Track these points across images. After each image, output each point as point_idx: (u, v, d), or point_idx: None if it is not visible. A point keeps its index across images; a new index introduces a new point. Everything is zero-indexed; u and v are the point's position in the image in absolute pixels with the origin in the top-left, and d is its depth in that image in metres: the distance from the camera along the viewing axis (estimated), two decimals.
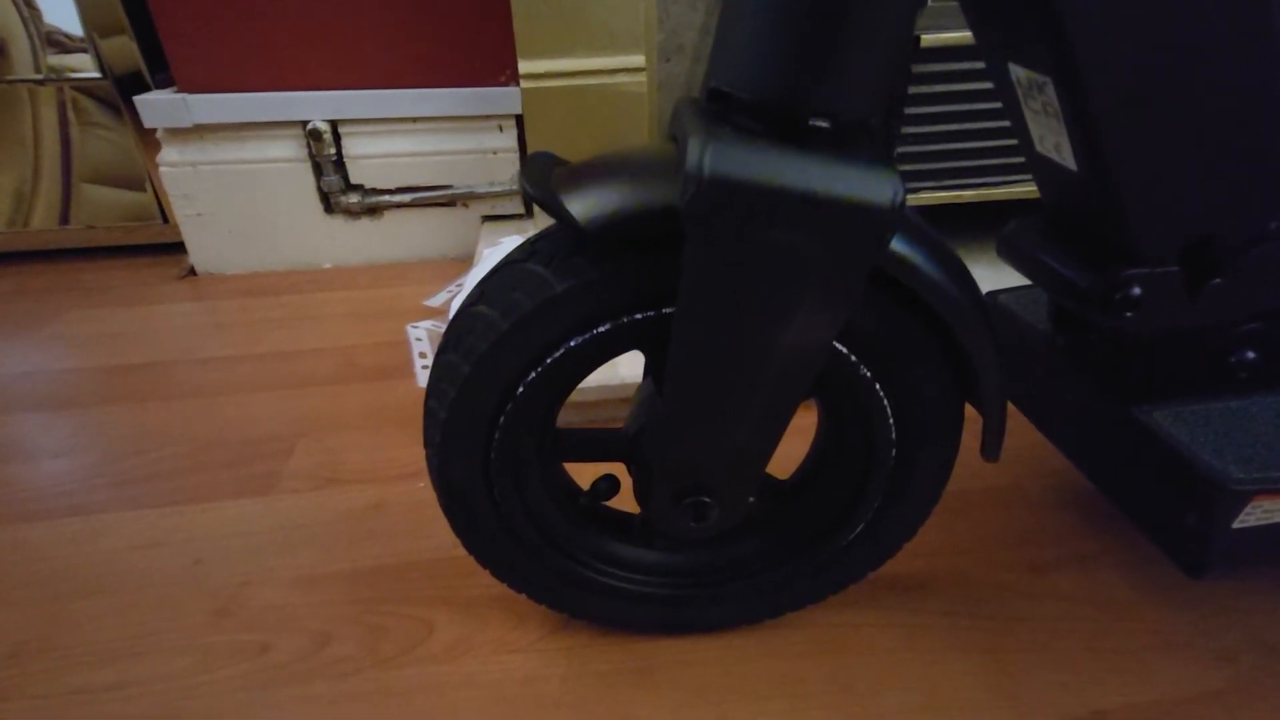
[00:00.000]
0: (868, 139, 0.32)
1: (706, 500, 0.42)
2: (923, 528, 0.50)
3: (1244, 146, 0.36)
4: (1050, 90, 0.36)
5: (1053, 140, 0.38)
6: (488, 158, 1.19)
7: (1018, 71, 0.37)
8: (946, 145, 0.91)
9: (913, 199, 0.94)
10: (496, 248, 1.06)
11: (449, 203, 1.22)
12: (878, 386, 0.41)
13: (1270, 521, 0.42)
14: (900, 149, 0.91)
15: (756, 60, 0.31)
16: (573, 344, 0.38)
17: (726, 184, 0.30)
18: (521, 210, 1.25)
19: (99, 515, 0.66)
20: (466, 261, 1.23)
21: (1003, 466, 0.70)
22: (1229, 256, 0.38)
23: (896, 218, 0.31)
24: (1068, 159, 0.38)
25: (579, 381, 0.43)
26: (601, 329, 0.37)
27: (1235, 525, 0.41)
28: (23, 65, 1.14)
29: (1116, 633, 0.53)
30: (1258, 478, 0.40)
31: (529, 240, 0.39)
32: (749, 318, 0.34)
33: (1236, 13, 0.33)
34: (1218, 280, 0.39)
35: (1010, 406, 0.42)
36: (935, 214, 0.96)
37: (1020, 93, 0.39)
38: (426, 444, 0.43)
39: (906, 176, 0.93)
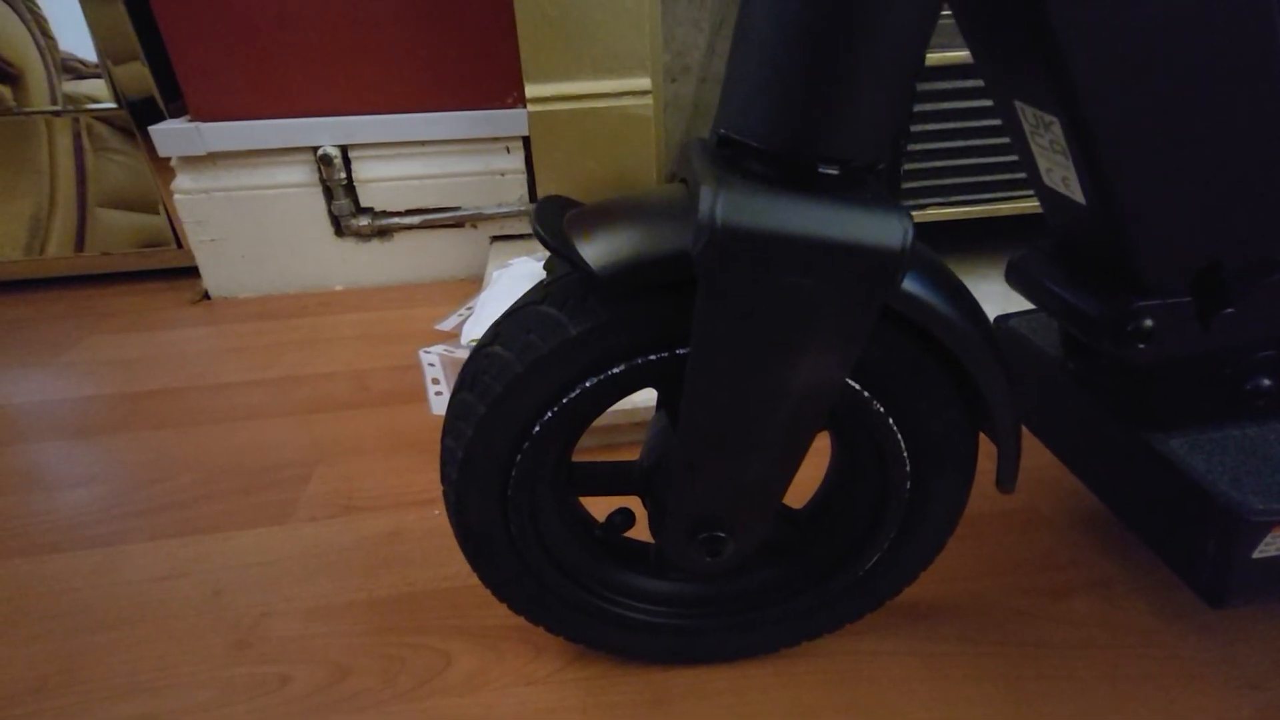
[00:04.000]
0: (876, 181, 0.33)
1: (721, 535, 0.42)
2: (944, 552, 0.50)
3: (1252, 177, 0.36)
4: (1057, 129, 0.36)
5: (1060, 174, 0.39)
6: (496, 179, 1.21)
7: (1024, 109, 0.38)
8: (953, 161, 0.91)
9: (920, 215, 0.94)
10: (506, 269, 1.07)
11: (458, 224, 1.23)
12: (891, 421, 0.41)
13: None
14: (907, 165, 0.91)
15: (764, 109, 0.31)
16: (588, 385, 0.38)
17: (739, 232, 0.30)
18: (529, 230, 1.26)
19: (118, 546, 0.67)
20: (477, 282, 1.25)
21: (1020, 489, 0.70)
22: (1240, 285, 0.38)
23: (906, 259, 0.31)
24: (1076, 193, 0.38)
25: (595, 417, 0.43)
26: (616, 370, 0.38)
27: (1255, 555, 0.41)
28: (39, 93, 1.16)
29: (1136, 660, 0.53)
30: (1277, 508, 0.39)
31: (542, 282, 0.39)
32: (761, 360, 0.34)
33: (1240, 48, 0.33)
34: (1230, 309, 0.39)
35: (1025, 429, 0.42)
36: (944, 230, 0.96)
37: (1027, 129, 0.39)
38: (443, 480, 0.44)
39: (914, 193, 0.93)
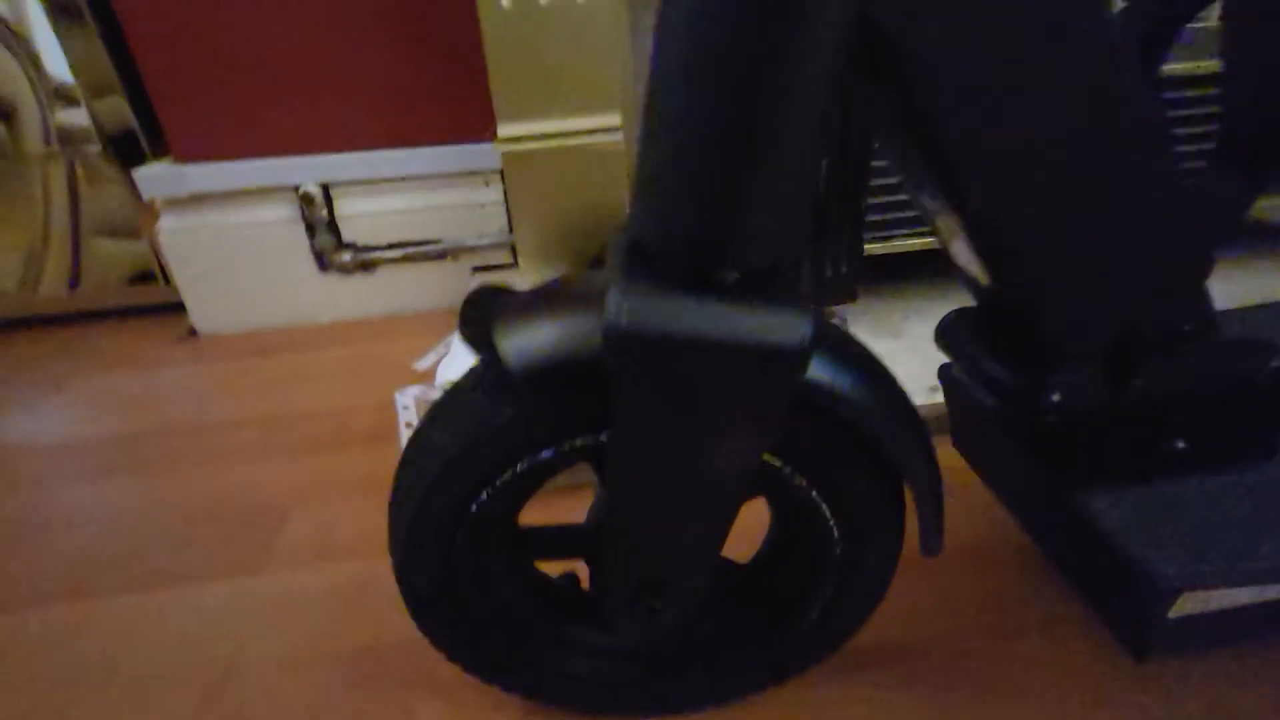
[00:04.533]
0: (783, 281, 0.34)
1: (656, 603, 0.44)
2: (890, 592, 0.51)
3: (1149, 257, 0.37)
4: (952, 219, 0.38)
5: (965, 257, 0.40)
6: (475, 211, 1.23)
7: (924, 199, 0.39)
8: None
9: (886, 247, 0.96)
10: None
11: (439, 256, 1.25)
12: (814, 493, 0.42)
13: (1206, 610, 0.43)
14: (872, 199, 0.92)
15: (665, 217, 0.33)
16: (518, 469, 0.40)
17: (642, 336, 0.32)
18: (509, 260, 1.28)
19: (99, 598, 0.69)
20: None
21: (972, 523, 0.71)
22: (1146, 358, 0.40)
23: (805, 357, 0.33)
24: (981, 275, 0.40)
25: (535, 491, 0.45)
26: (544, 454, 0.40)
27: (1171, 616, 0.43)
28: (32, 127, 1.18)
29: (1080, 703, 0.54)
30: (1188, 572, 0.41)
31: (474, 368, 0.41)
32: (677, 450, 0.36)
33: (1123, 140, 0.35)
34: (1138, 381, 0.40)
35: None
36: (908, 260, 0.98)
37: (933, 216, 0.41)
38: (390, 551, 0.45)
39: (879, 225, 0.95)
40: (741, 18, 0.28)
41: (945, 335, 0.48)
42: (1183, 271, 0.38)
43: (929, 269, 1.04)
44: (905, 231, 0.95)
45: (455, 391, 0.41)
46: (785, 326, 0.33)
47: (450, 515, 0.41)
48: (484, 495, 0.41)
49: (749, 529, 0.53)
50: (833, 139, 0.32)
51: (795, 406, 0.39)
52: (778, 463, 0.41)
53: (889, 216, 0.94)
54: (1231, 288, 0.99)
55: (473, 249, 1.25)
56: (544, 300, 0.38)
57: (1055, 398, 0.40)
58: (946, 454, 0.67)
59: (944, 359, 0.62)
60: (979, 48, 0.32)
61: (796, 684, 0.56)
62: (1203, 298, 0.40)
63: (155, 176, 1.11)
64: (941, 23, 0.31)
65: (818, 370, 0.37)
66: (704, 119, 0.30)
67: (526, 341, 0.36)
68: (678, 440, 0.36)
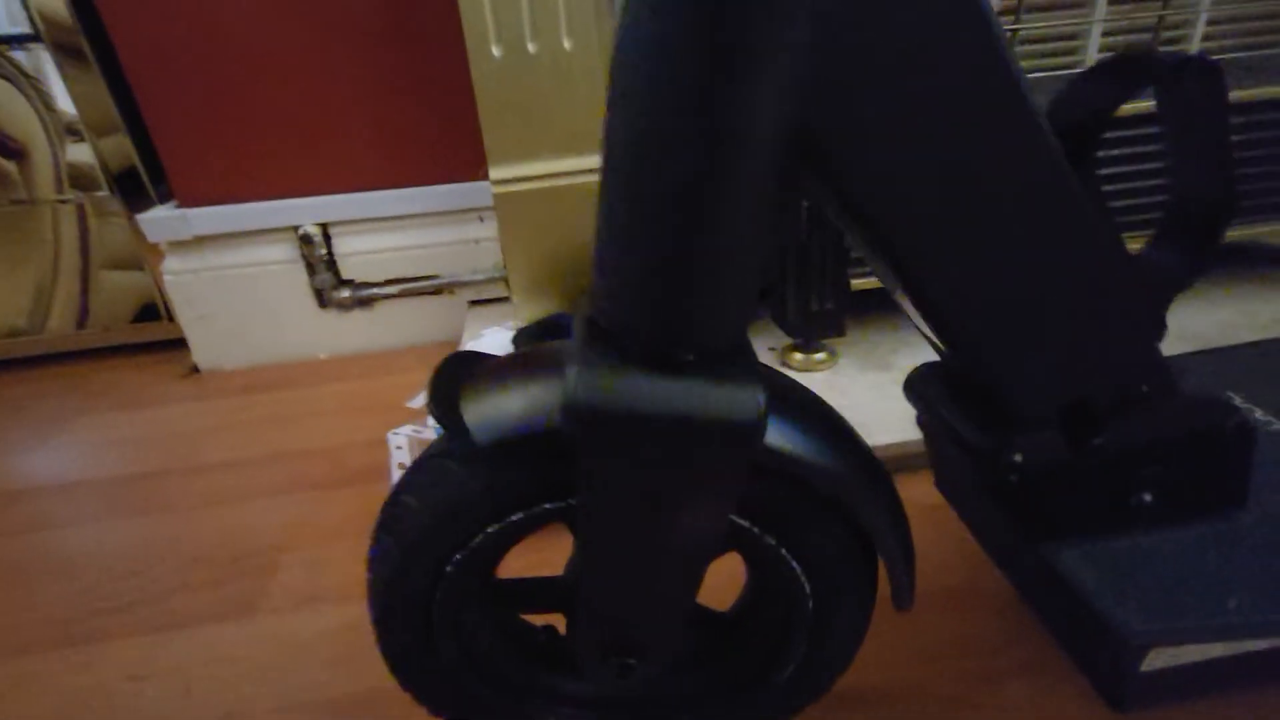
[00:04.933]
0: (735, 357, 0.35)
1: (630, 661, 0.44)
2: (872, 635, 0.51)
3: (1099, 324, 0.38)
4: (903, 296, 0.39)
5: (921, 324, 0.41)
6: (470, 247, 1.25)
7: (878, 268, 0.40)
8: None
9: (873, 283, 0.97)
10: (478, 340, 1.11)
11: (436, 291, 1.27)
12: (783, 551, 0.43)
13: (1178, 664, 0.43)
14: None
15: (620, 299, 0.34)
16: (490, 530, 0.41)
17: (597, 412, 0.33)
18: (504, 293, 1.29)
19: (95, 645, 0.70)
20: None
21: (953, 564, 0.71)
22: (1106, 418, 0.40)
23: (760, 429, 0.34)
24: (937, 341, 0.41)
25: (508, 550, 0.46)
26: (515, 518, 0.41)
27: (1144, 669, 0.43)
28: (44, 168, 1.21)
29: None
30: (1155, 629, 0.41)
31: (443, 436, 0.42)
32: (641, 517, 0.37)
33: (1060, 231, 0.35)
34: (1098, 440, 0.41)
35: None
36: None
37: (886, 282, 0.42)
38: (369, 608, 0.46)
39: (864, 260, 0.96)
40: (681, 104, 0.29)
41: (913, 389, 0.49)
42: (1134, 337, 0.39)
43: None
44: None
45: (430, 457, 0.42)
46: (739, 400, 0.34)
47: (427, 576, 0.42)
48: (458, 556, 0.42)
49: (733, 576, 0.53)
50: (785, 224, 0.33)
51: (756, 472, 0.40)
52: (745, 523, 0.42)
53: None
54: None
55: (468, 283, 1.27)
56: (509, 370, 0.40)
57: (1017, 458, 0.40)
58: (930, 491, 0.67)
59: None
60: (905, 145, 0.33)
61: None
62: (1157, 357, 0.40)
63: (160, 221, 1.14)
64: (863, 122, 0.32)
65: (777, 435, 0.38)
66: (652, 208, 0.32)
67: (491, 413, 0.37)
68: (640, 510, 0.37)
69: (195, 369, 1.26)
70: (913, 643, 0.64)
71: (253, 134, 1.12)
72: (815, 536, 0.43)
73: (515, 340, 0.38)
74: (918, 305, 0.38)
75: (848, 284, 0.95)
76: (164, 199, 1.20)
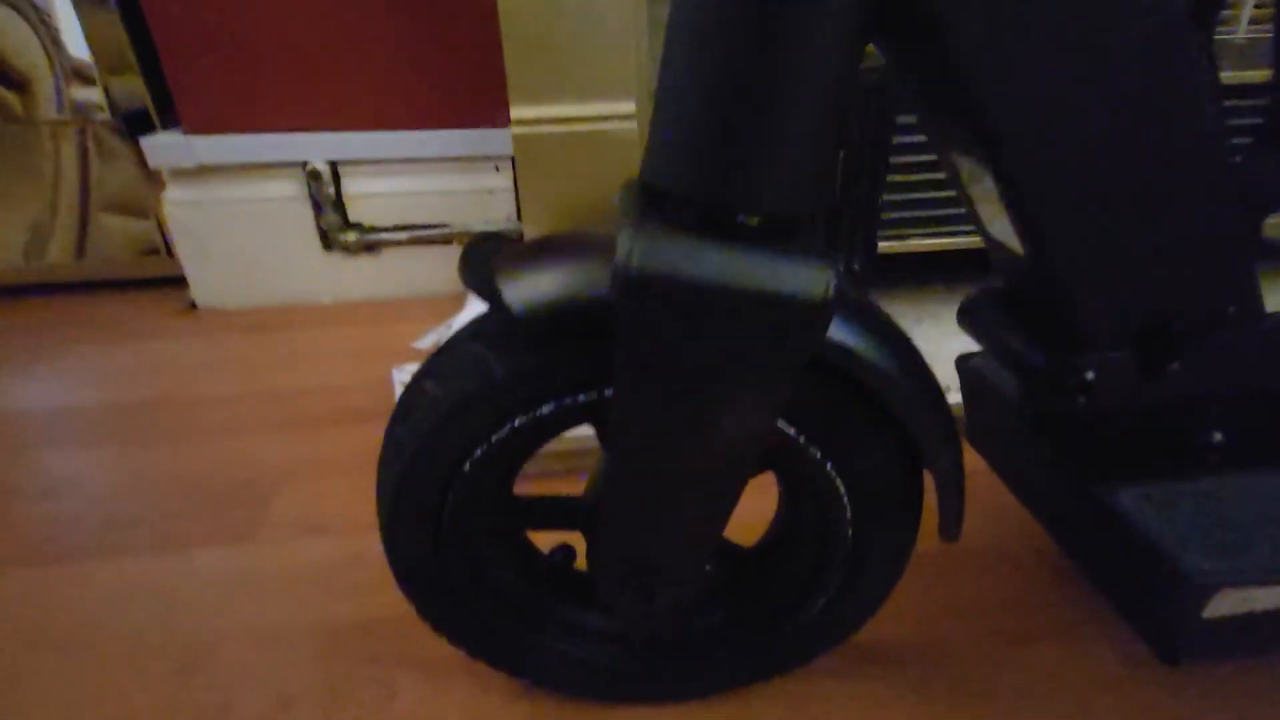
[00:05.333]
0: (801, 231, 0.32)
1: (652, 581, 0.41)
2: (903, 591, 0.48)
3: (1192, 231, 0.35)
4: (989, 180, 0.35)
5: (999, 225, 0.38)
6: (484, 197, 1.21)
7: (960, 160, 0.37)
8: (934, 193, 0.90)
9: (901, 246, 0.93)
10: None
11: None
12: (829, 466, 0.40)
13: (1244, 610, 0.40)
14: (887, 196, 0.90)
15: (682, 157, 0.31)
16: (516, 424, 0.38)
17: (654, 279, 0.30)
18: None
19: (79, 563, 0.67)
20: (461, 298, 1.25)
21: (986, 527, 0.68)
22: (1186, 341, 0.37)
23: (828, 311, 0.31)
24: (1015, 244, 0.38)
25: (531, 455, 0.42)
26: (544, 410, 0.37)
27: (1206, 615, 0.40)
28: (47, 100, 1.17)
29: (1099, 712, 0.51)
30: (1225, 568, 0.38)
31: (475, 319, 0.39)
32: (683, 406, 0.34)
33: (1170, 103, 0.33)
34: (1175, 365, 0.38)
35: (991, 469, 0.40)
36: (921, 261, 0.95)
37: (965, 179, 0.39)
38: (378, 513, 0.43)
39: (894, 224, 0.93)
40: None
41: (969, 315, 0.45)
42: (1226, 251, 0.36)
43: (944, 272, 1.02)
44: (921, 231, 0.93)
45: (453, 343, 0.39)
46: (808, 277, 0.31)
47: (443, 473, 0.39)
48: (479, 452, 0.38)
49: (754, 514, 0.50)
50: (855, 91, 0.30)
51: (813, 367, 0.37)
52: (791, 431, 0.39)
53: (905, 214, 0.92)
54: None
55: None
56: (548, 249, 0.36)
57: (1089, 376, 0.37)
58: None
59: (959, 356, 0.60)
60: (1028, 10, 0.30)
61: (802, 677, 0.54)
62: (1250, 280, 0.37)
63: (163, 145, 1.10)
64: None
65: (839, 331, 0.35)
66: (723, 52, 0.29)
67: (530, 286, 0.34)
68: (683, 398, 0.33)
69: (193, 306, 1.22)
70: (940, 601, 0.61)
71: (265, 62, 1.08)
72: (864, 453, 0.40)
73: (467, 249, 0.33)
74: (1009, 197, 0.35)
75: (876, 246, 0.92)
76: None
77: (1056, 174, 0.34)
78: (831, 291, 0.31)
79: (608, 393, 0.37)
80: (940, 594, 0.61)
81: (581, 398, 0.37)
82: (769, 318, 0.31)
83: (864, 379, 0.36)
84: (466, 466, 0.39)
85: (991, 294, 0.46)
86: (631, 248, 0.30)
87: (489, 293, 0.34)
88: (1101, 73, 0.32)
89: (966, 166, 0.37)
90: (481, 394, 0.37)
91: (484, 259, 0.36)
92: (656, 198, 0.32)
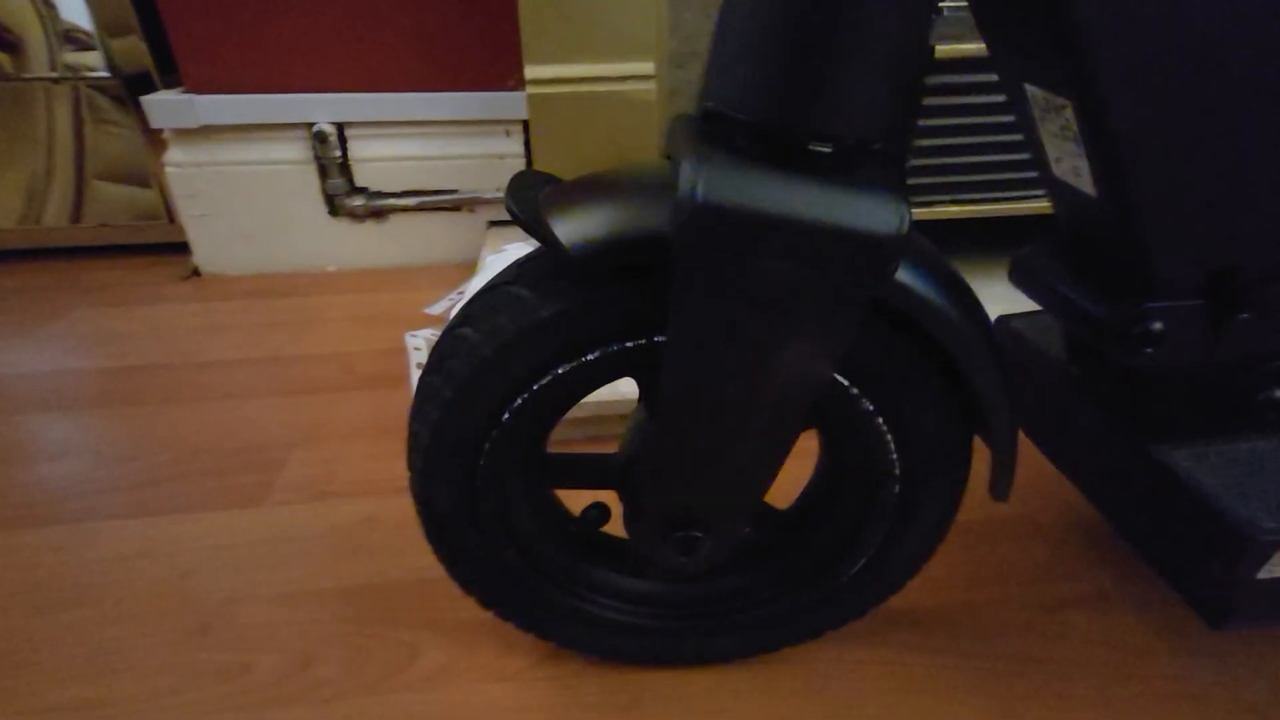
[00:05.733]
0: (875, 163, 0.30)
1: (696, 535, 0.40)
2: (932, 560, 0.48)
3: (1272, 176, 0.33)
4: (1069, 113, 0.34)
5: (1070, 164, 0.36)
6: (494, 163, 1.18)
7: (1034, 92, 0.35)
8: (964, 158, 0.88)
9: (929, 213, 0.92)
10: (500, 254, 1.05)
11: (454, 207, 1.21)
12: (880, 420, 0.38)
13: None
14: (916, 161, 0.88)
15: (751, 80, 0.29)
16: (560, 371, 0.36)
17: (720, 211, 0.28)
18: None
19: (87, 523, 0.65)
20: (471, 266, 1.22)
21: (1017, 497, 0.67)
22: (1256, 290, 0.36)
23: (900, 248, 0.29)
24: (1086, 184, 0.36)
25: (570, 407, 0.41)
26: (590, 356, 0.36)
27: (1261, 576, 0.39)
28: (39, 63, 1.13)
29: (1133, 679, 0.50)
30: None
31: (517, 261, 0.37)
32: (742, 348, 0.32)
33: (1267, 43, 0.31)
34: (1245, 315, 0.36)
35: (1021, 436, 0.40)
36: (951, 228, 0.93)
37: (1037, 114, 0.37)
38: (409, 466, 0.42)
39: (923, 190, 0.91)
40: None
41: (1021, 267, 0.44)
42: None
43: (969, 242, 1.00)
44: (948, 198, 0.91)
45: (492, 287, 0.37)
46: (880, 212, 0.29)
47: (480, 422, 0.37)
48: (518, 401, 0.37)
49: (788, 478, 0.49)
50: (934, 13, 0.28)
51: (877, 310, 0.35)
52: (844, 381, 0.37)
53: (933, 180, 0.90)
54: None
55: (489, 201, 1.20)
56: (601, 185, 0.34)
57: (1157, 326, 0.36)
58: None
59: (998, 317, 0.58)
60: None
61: (831, 641, 0.53)
62: None
63: (164, 104, 1.07)
64: None
65: (904, 274, 0.33)
66: None
67: (581, 222, 0.32)
68: (743, 340, 0.32)
69: (196, 272, 1.20)
70: (968, 569, 0.60)
71: (270, 18, 1.05)
72: (917, 406, 0.38)
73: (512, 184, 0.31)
74: (1092, 134, 0.33)
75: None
76: None
77: (1145, 112, 0.32)
78: (905, 228, 0.29)
79: (658, 339, 0.35)
80: (970, 563, 0.61)
81: (629, 344, 0.36)
82: (838, 253, 0.29)
83: (929, 326, 0.34)
84: (506, 415, 0.37)
85: (1046, 247, 0.44)
86: (696, 178, 0.28)
87: (538, 228, 0.32)
88: (1214, 21, 0.30)
89: (1042, 99, 0.35)
90: (525, 338, 0.35)
91: (530, 192, 0.34)
92: (719, 126, 0.30)
